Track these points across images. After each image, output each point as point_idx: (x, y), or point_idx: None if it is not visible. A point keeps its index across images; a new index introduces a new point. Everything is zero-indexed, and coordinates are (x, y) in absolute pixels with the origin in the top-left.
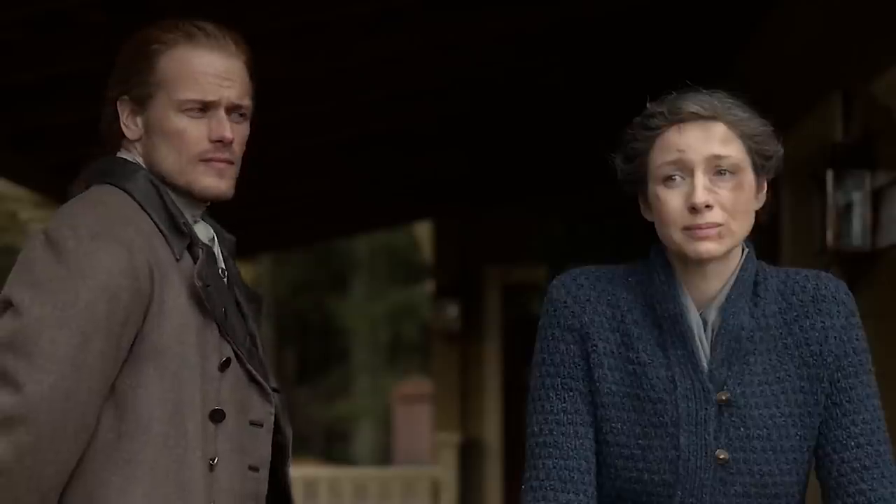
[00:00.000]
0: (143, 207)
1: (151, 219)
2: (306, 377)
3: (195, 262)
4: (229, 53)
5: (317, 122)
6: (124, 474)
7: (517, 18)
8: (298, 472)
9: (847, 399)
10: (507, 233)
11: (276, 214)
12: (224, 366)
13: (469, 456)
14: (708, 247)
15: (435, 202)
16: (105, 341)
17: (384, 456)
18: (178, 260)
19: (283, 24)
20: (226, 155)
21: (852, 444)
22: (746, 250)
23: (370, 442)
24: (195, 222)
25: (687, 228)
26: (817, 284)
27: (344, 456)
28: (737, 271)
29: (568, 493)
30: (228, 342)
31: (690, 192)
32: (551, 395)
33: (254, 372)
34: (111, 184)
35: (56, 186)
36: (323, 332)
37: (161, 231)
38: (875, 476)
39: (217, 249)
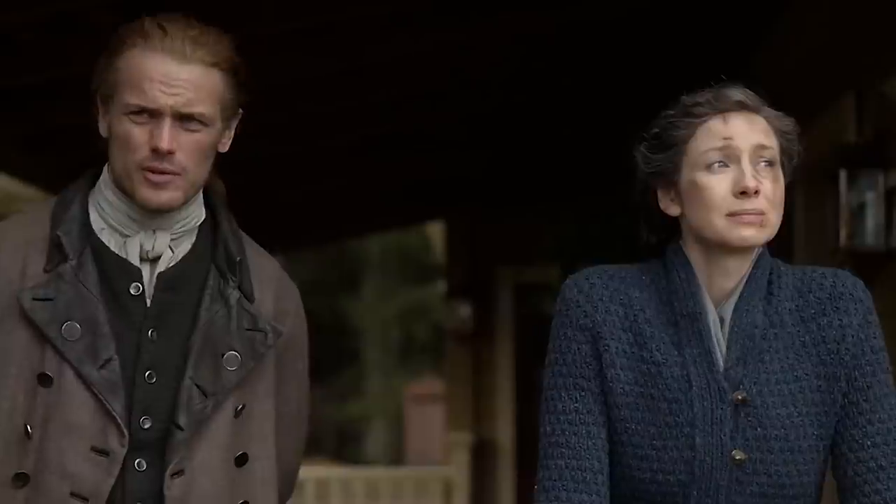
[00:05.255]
0: (53, 215)
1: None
2: (318, 377)
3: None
4: (182, 58)
5: (328, 122)
6: None
7: (530, 20)
8: (310, 473)
9: (864, 398)
10: (519, 233)
11: (288, 215)
12: (43, 381)
13: (481, 456)
14: (752, 233)
15: (447, 202)
16: None
17: (396, 456)
18: (46, 271)
19: (295, 25)
20: (164, 165)
21: (868, 443)
22: (760, 248)
23: (382, 442)
24: (139, 231)
25: (732, 214)
26: (835, 282)
27: (356, 456)
28: (750, 269)
29: (581, 494)
30: (67, 361)
31: (739, 177)
32: (563, 394)
33: (101, 397)
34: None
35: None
36: (335, 333)
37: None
38: (891, 476)
39: (158, 268)
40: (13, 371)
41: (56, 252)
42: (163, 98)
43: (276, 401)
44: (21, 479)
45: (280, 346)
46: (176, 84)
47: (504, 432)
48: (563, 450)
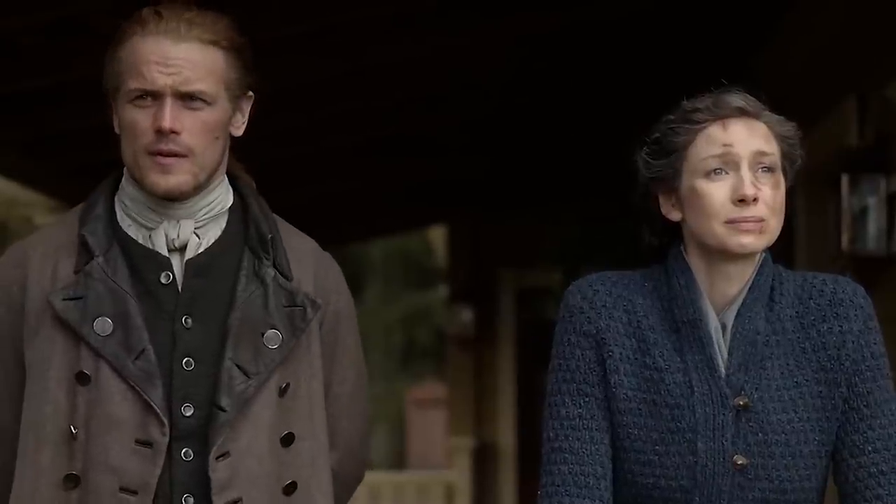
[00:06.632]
0: (81, 218)
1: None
2: None
3: (119, 274)
4: (178, 37)
5: (330, 125)
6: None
7: (532, 23)
8: None
9: (864, 404)
10: (521, 237)
11: (290, 218)
12: (81, 379)
13: (483, 460)
14: (751, 240)
15: (449, 206)
16: None
17: (398, 460)
18: (76, 272)
19: (297, 28)
20: (170, 147)
21: (869, 448)
22: (763, 254)
23: (384, 446)
24: (161, 222)
25: (731, 222)
26: (835, 288)
27: None
28: (753, 275)
29: (584, 499)
30: (102, 357)
31: (738, 184)
32: (567, 400)
33: (139, 389)
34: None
35: (70, 191)
36: None
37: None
38: (892, 481)
39: (186, 256)
40: (52, 374)
41: (83, 251)
42: (161, 78)
43: (332, 381)
44: (72, 481)
45: (328, 324)
46: (173, 63)
47: (506, 436)
48: (567, 455)
